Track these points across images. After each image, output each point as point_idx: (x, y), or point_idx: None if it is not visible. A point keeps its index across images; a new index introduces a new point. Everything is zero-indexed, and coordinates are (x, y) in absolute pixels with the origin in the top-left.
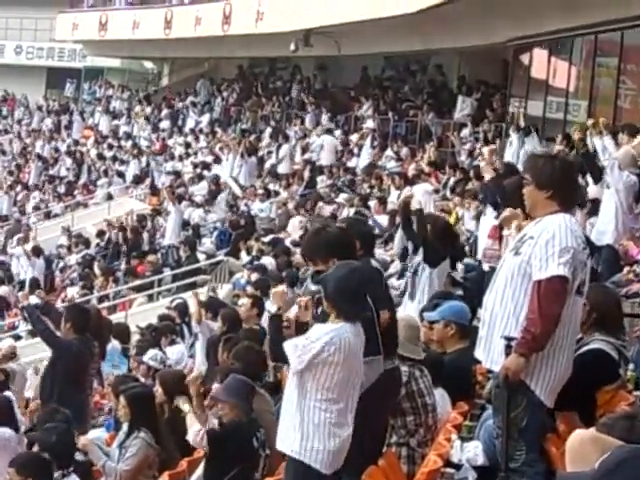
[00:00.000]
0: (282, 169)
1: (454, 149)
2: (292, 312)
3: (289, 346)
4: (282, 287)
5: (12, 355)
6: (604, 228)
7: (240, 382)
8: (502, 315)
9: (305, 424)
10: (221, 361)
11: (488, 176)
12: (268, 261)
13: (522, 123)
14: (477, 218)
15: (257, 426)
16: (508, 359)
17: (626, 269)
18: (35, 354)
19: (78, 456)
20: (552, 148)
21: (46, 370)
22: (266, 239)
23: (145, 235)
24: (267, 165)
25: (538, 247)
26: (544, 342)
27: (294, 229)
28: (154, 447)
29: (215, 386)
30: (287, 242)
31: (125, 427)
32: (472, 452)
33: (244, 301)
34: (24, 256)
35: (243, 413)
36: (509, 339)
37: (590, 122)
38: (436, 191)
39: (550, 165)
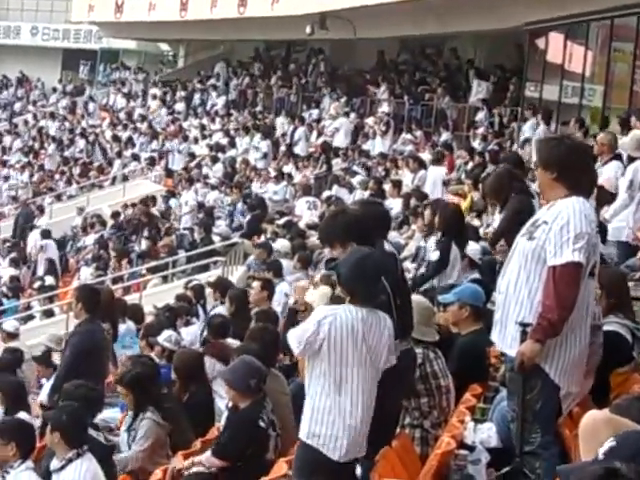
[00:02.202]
0: (298, 151)
1: (469, 133)
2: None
3: (291, 332)
4: (304, 282)
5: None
6: (619, 224)
7: (246, 365)
8: (516, 299)
9: (314, 409)
10: None
11: None
12: (281, 244)
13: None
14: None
15: (261, 407)
16: (524, 344)
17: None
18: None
19: (99, 437)
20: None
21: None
22: (280, 222)
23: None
24: (282, 148)
25: (552, 233)
26: (560, 328)
27: (301, 210)
28: (163, 425)
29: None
30: (301, 225)
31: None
32: (486, 434)
33: (255, 284)
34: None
35: (243, 396)
36: (525, 325)
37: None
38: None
39: (556, 147)
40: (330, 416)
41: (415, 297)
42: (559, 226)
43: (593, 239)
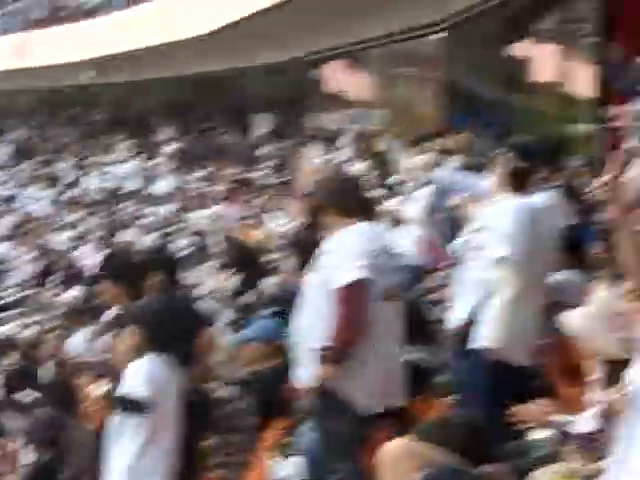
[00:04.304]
0: (85, 197)
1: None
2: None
3: None
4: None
5: None
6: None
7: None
8: (311, 330)
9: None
10: None
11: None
12: (72, 295)
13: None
14: None
15: None
16: (319, 369)
17: (436, 274)
18: None
19: None
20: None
21: None
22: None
23: None
24: (68, 194)
25: (334, 257)
26: (349, 349)
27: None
28: None
29: None
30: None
31: None
32: (292, 468)
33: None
34: None
35: None
36: (319, 350)
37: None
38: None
39: (333, 184)
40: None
41: (220, 337)
42: (339, 250)
43: (379, 259)
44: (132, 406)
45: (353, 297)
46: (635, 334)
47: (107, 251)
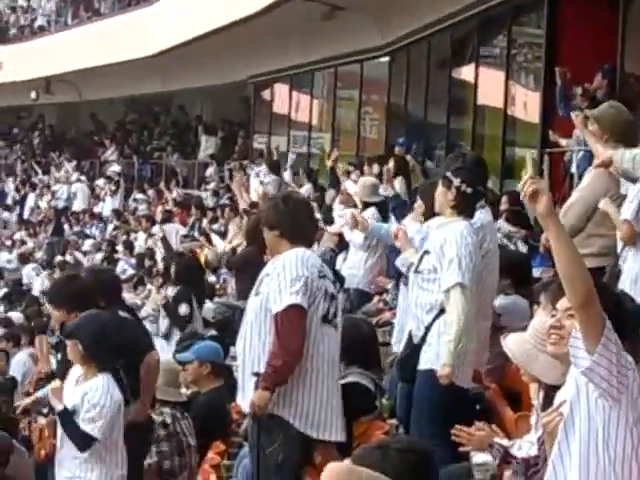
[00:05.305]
0: (29, 217)
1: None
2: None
3: None
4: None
5: None
6: (350, 272)
7: None
8: (252, 355)
9: None
10: None
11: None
12: (16, 315)
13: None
14: None
15: None
16: (254, 394)
17: (376, 298)
18: None
19: None
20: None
21: None
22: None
23: None
24: (14, 215)
25: (272, 281)
26: (286, 374)
27: (29, 277)
28: None
29: None
30: (35, 292)
31: None
32: None
33: None
34: None
35: None
36: (257, 375)
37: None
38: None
39: (277, 207)
40: None
41: (163, 359)
42: (277, 274)
43: (317, 283)
44: (81, 439)
45: (289, 322)
46: (564, 350)
47: (52, 274)
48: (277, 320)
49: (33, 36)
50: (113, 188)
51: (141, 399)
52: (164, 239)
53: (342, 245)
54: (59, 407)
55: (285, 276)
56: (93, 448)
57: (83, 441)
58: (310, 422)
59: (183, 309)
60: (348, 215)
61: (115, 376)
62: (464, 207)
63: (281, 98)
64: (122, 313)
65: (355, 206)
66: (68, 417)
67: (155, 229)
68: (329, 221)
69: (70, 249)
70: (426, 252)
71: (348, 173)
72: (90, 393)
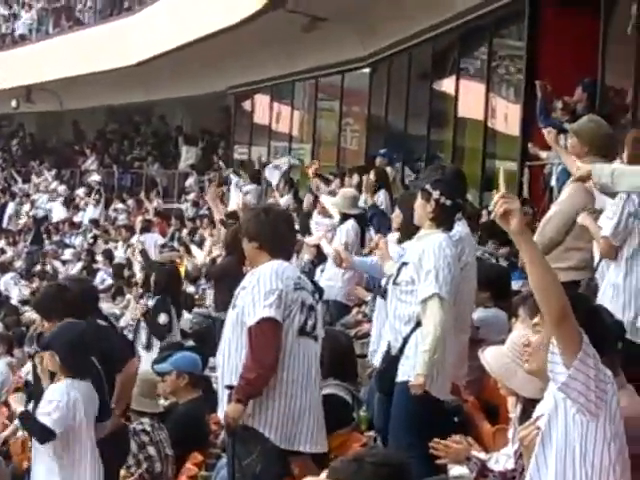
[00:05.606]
0: (9, 226)
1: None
2: None
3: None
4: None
5: None
6: (328, 283)
7: None
8: (230, 368)
9: None
10: None
11: None
12: None
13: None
14: None
15: None
16: (228, 406)
17: (355, 310)
18: None
19: None
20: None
21: None
22: None
23: None
24: None
25: (247, 295)
26: (260, 386)
27: (7, 286)
28: None
29: None
30: (14, 301)
31: None
32: None
33: None
34: None
35: None
36: (230, 387)
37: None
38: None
39: (256, 219)
40: None
41: (140, 370)
42: (252, 287)
43: (292, 295)
44: (39, 432)
45: (263, 335)
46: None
47: (31, 283)
48: (251, 333)
49: (14, 45)
50: (97, 197)
51: (114, 406)
52: (143, 251)
53: (320, 257)
54: (20, 409)
55: (259, 289)
56: (60, 462)
57: (41, 433)
58: (284, 434)
59: (162, 319)
60: (328, 235)
61: (96, 384)
62: (443, 219)
63: (262, 109)
64: (100, 322)
65: (331, 217)
66: (27, 415)
67: (133, 239)
68: (306, 230)
69: (49, 258)
70: (404, 264)
71: (320, 176)
72: (48, 392)
